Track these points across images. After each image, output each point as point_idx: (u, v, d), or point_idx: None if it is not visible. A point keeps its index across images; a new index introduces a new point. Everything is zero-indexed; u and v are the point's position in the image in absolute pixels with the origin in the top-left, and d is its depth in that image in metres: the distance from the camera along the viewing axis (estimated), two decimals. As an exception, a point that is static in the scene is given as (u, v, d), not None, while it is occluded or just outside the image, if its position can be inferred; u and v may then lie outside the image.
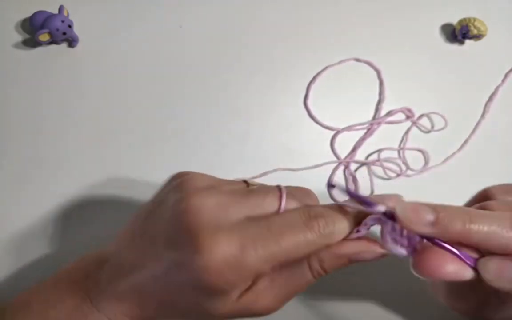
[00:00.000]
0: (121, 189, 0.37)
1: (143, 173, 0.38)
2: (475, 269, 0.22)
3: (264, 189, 0.26)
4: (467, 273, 0.22)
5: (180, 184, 0.26)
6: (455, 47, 0.46)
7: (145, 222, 0.26)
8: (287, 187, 0.26)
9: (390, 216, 0.23)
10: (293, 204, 0.25)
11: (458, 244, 0.22)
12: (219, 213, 0.23)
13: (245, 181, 0.28)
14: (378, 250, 0.24)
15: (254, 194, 0.25)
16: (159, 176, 0.30)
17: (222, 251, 0.22)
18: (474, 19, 0.43)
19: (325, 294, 0.37)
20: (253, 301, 0.25)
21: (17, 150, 0.37)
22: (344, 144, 0.41)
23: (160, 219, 0.25)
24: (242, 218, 0.24)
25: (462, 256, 0.22)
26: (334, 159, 0.41)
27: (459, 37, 0.44)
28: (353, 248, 0.24)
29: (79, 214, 0.36)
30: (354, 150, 0.41)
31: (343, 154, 0.41)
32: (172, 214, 0.24)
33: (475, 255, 0.23)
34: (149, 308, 0.25)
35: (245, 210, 0.24)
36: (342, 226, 0.24)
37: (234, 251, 0.22)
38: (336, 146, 0.41)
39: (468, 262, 0.22)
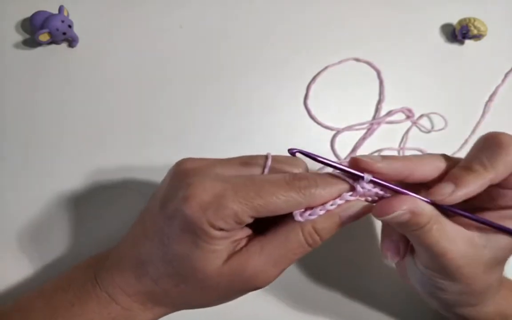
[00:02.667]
0: (119, 189, 0.37)
1: (142, 173, 0.38)
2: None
3: (252, 155, 0.27)
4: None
5: (172, 168, 0.27)
6: (455, 47, 0.46)
7: (143, 212, 0.28)
8: (275, 156, 0.27)
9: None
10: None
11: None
12: (207, 169, 0.25)
13: None
14: (360, 202, 0.25)
15: (242, 158, 0.27)
16: (157, 176, 0.30)
17: (204, 190, 0.24)
18: (474, 19, 0.43)
19: (326, 294, 0.37)
20: (243, 263, 0.25)
21: (17, 149, 0.37)
22: (344, 144, 0.41)
23: (154, 198, 0.27)
24: (228, 175, 0.26)
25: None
26: (334, 159, 0.41)
27: (459, 37, 0.44)
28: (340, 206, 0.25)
29: (76, 214, 0.36)
30: (354, 150, 0.41)
31: (343, 154, 0.41)
32: (164, 182, 0.26)
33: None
34: (145, 277, 0.26)
35: (231, 171, 0.26)
36: (325, 188, 0.24)
37: (217, 191, 0.23)
38: (336, 146, 0.41)
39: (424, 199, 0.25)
